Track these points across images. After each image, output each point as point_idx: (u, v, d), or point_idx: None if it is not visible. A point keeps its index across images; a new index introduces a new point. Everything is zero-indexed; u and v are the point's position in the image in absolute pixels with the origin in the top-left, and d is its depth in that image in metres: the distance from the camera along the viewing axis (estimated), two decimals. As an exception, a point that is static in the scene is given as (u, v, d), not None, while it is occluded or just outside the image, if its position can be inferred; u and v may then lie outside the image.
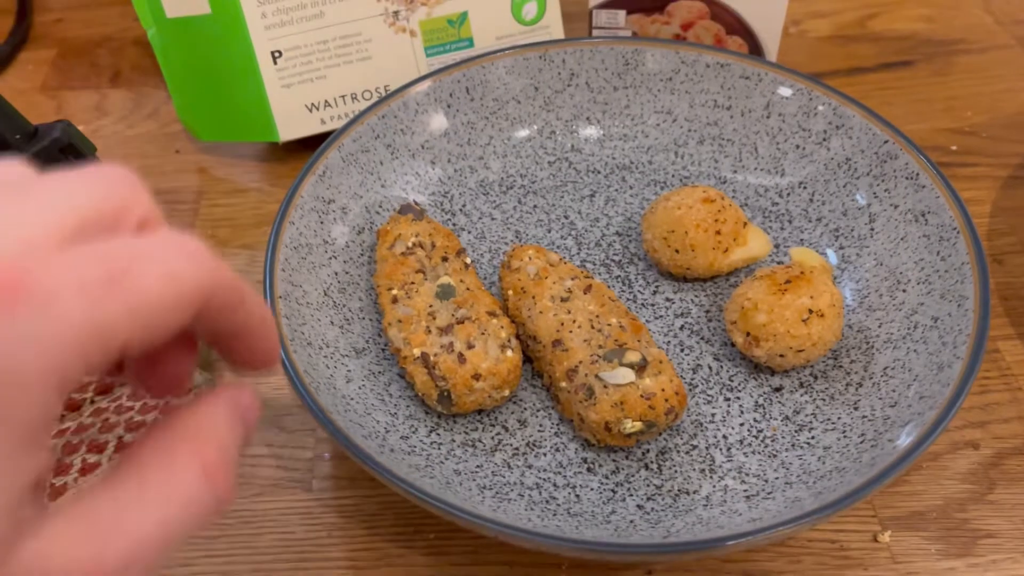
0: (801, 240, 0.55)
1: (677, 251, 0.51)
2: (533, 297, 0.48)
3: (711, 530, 0.40)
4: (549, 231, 0.55)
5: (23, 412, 0.17)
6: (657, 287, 0.52)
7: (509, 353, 0.45)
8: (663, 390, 0.43)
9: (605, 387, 0.43)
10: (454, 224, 0.56)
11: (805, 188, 0.56)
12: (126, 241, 0.20)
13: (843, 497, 0.38)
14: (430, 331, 0.45)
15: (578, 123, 0.60)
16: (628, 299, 0.51)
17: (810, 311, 0.45)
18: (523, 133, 0.59)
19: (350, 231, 0.53)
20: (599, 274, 0.53)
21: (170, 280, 0.19)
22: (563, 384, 0.45)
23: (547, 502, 0.43)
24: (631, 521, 0.43)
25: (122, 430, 0.45)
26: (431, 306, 0.46)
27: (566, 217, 0.56)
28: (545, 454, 0.46)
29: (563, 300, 0.48)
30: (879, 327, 0.48)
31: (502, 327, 0.46)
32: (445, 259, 0.49)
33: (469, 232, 0.56)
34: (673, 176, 0.59)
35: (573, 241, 0.55)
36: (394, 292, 0.47)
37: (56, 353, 0.17)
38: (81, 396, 0.46)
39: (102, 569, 0.18)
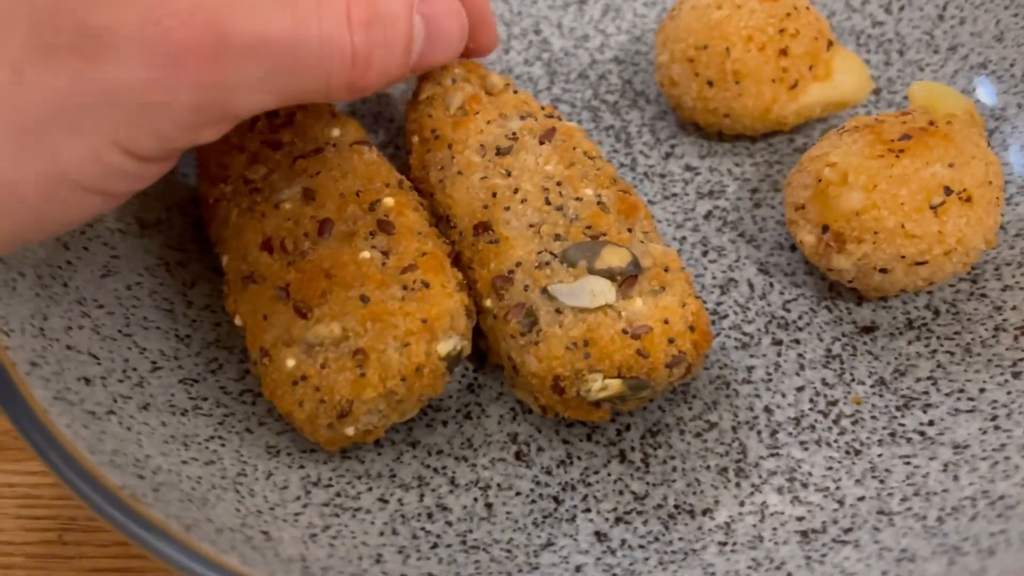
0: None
1: (711, 83, 0.30)
2: (450, 146, 0.28)
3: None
4: (507, 52, 0.36)
5: None
6: (673, 146, 0.32)
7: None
8: (666, 321, 0.24)
9: (559, 312, 0.23)
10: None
11: (932, -3, 0.34)
12: None
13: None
14: None
15: None
16: (624, 165, 0.33)
17: (947, 190, 0.24)
18: None
19: None
20: (579, 120, 0.32)
21: None
22: (488, 303, 0.25)
23: (428, 517, 0.24)
24: (578, 568, 0.22)
25: None
26: None
27: (536, 32, 0.36)
28: (446, 423, 0.25)
29: (500, 153, 0.27)
30: (1061, 229, 0.28)
31: None
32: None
33: (381, 49, 0.35)
34: (714, -23, 0.37)
35: (543, 69, 0.35)
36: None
37: None
38: None
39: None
